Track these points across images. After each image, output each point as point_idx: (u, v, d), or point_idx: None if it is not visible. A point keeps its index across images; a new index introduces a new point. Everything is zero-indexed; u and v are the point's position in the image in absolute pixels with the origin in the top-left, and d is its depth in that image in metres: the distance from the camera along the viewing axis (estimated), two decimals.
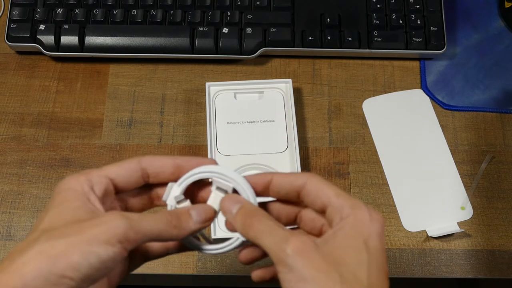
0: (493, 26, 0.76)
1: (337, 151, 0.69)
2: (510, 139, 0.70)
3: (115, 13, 0.72)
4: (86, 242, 0.34)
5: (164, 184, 0.41)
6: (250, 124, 0.68)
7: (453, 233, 0.64)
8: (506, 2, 0.76)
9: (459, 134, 0.70)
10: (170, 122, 0.70)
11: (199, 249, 0.40)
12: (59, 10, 0.71)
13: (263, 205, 0.42)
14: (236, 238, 0.40)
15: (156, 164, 0.41)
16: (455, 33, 0.76)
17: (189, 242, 0.41)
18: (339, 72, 0.73)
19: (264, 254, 0.40)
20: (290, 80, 0.69)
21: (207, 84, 0.69)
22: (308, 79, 0.73)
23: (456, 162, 0.68)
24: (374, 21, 0.72)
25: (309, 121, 0.70)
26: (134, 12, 0.72)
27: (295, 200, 0.41)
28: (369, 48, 0.72)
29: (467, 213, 0.66)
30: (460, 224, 0.65)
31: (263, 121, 0.68)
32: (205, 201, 0.41)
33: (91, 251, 0.34)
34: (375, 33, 0.72)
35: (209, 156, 0.65)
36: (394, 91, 0.72)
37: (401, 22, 0.72)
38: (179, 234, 0.38)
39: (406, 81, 0.73)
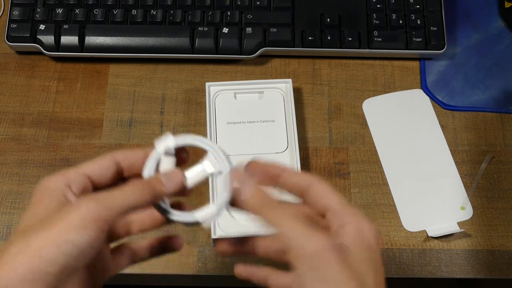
0: (493, 26, 0.76)
1: (337, 151, 0.69)
2: (510, 139, 0.70)
3: (115, 13, 0.72)
4: (58, 233, 0.35)
5: (138, 175, 0.41)
6: (250, 124, 0.68)
7: (453, 233, 0.64)
8: (506, 2, 0.76)
9: (459, 134, 0.70)
10: (170, 122, 0.70)
11: (168, 214, 0.40)
12: (59, 10, 0.71)
13: None
14: (210, 213, 0.40)
15: (129, 158, 0.41)
16: (455, 33, 0.76)
17: (160, 208, 0.40)
18: (339, 72, 0.73)
19: (242, 251, 0.41)
20: (290, 80, 0.69)
21: (207, 84, 0.69)
22: (308, 79, 0.73)
23: (456, 162, 0.68)
24: (374, 21, 0.72)
25: (309, 121, 0.70)
26: (134, 12, 0.72)
27: (297, 196, 0.41)
28: (369, 48, 0.72)
29: (467, 213, 0.66)
30: (460, 224, 0.65)
31: (263, 121, 0.68)
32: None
33: (65, 240, 0.34)
34: (375, 33, 0.72)
35: None
36: (394, 91, 0.72)
37: (401, 22, 0.72)
38: (152, 199, 0.39)
39: (406, 81, 0.73)
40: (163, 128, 0.69)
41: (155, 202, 0.40)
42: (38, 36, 0.71)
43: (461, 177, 0.68)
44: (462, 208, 0.66)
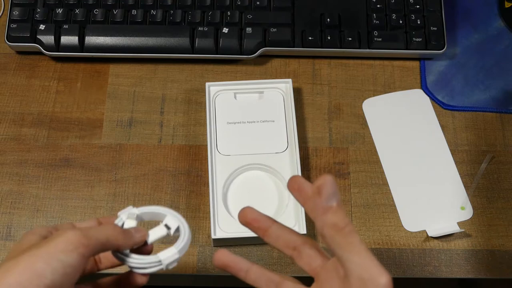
0: (493, 26, 0.76)
1: (337, 151, 0.69)
2: (510, 139, 0.70)
3: (115, 13, 0.72)
4: (47, 252, 0.39)
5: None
6: (250, 124, 0.68)
7: (453, 233, 0.64)
8: (506, 2, 0.76)
9: (459, 134, 0.70)
10: (170, 122, 0.70)
11: (124, 260, 0.45)
12: (59, 10, 0.71)
13: None
14: (156, 262, 0.45)
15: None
16: (455, 33, 0.76)
17: (121, 255, 0.45)
18: (339, 72, 0.73)
19: (236, 268, 0.44)
20: (290, 80, 0.69)
21: (207, 84, 0.69)
22: (308, 79, 0.73)
23: (456, 162, 0.68)
24: (374, 21, 0.72)
25: (309, 121, 0.70)
26: (134, 12, 0.72)
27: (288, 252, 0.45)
28: (369, 48, 0.72)
29: (467, 213, 0.66)
30: (460, 224, 0.65)
31: (263, 121, 0.68)
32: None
33: (55, 258, 0.38)
34: (375, 33, 0.72)
35: (209, 156, 0.65)
36: (394, 91, 0.72)
37: (401, 22, 0.72)
38: (124, 244, 0.44)
39: (406, 81, 0.73)
40: (163, 128, 0.69)
41: (119, 250, 0.44)
42: (38, 36, 0.71)
43: (461, 177, 0.68)
44: (462, 208, 0.66)
